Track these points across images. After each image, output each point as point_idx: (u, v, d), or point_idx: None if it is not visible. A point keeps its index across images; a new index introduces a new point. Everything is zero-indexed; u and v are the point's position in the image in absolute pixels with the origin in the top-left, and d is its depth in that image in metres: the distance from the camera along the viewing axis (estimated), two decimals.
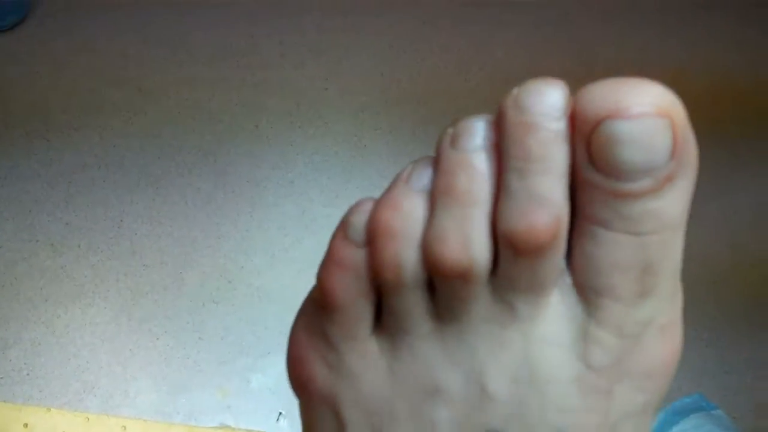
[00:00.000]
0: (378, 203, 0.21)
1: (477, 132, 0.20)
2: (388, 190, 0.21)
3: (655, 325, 0.20)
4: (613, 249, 0.19)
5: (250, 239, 0.99)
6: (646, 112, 0.18)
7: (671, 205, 0.19)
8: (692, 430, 0.77)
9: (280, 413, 0.93)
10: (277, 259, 0.99)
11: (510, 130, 0.19)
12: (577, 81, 0.20)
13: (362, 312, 0.22)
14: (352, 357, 0.22)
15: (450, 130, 0.20)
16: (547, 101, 0.19)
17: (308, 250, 0.99)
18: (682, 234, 0.20)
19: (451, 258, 0.20)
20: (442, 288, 0.20)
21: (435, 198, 0.20)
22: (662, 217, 0.19)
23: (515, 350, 0.20)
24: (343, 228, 0.22)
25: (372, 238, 0.21)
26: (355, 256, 0.21)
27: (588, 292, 0.20)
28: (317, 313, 0.22)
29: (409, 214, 0.20)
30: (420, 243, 0.20)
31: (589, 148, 0.18)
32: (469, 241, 0.20)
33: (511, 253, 0.19)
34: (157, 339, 0.96)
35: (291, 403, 0.93)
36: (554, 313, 0.20)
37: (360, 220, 0.21)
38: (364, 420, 0.22)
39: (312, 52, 1.09)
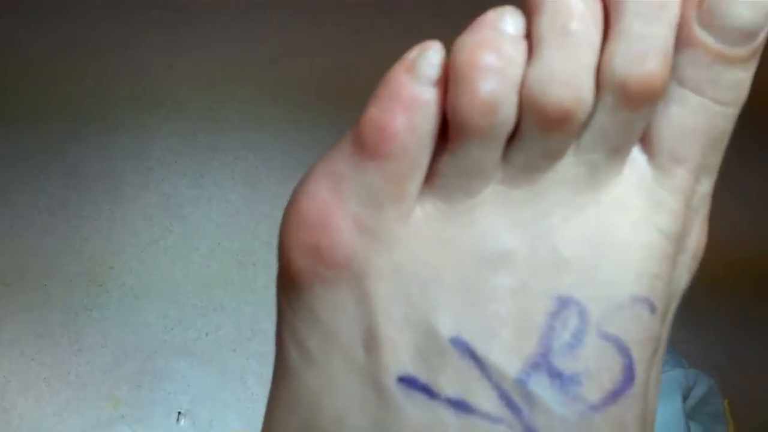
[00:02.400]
0: (465, 42, 0.19)
1: None
2: (474, 33, 0.20)
3: (706, 205, 0.21)
4: (701, 116, 0.20)
5: (115, 237, 0.93)
6: None
7: (749, 80, 0.20)
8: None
9: (179, 413, 0.89)
10: (148, 252, 0.93)
11: None
12: None
13: (419, 164, 0.20)
14: (395, 219, 0.20)
15: None
16: None
17: (179, 237, 0.94)
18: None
19: (560, 98, 0.19)
20: (530, 140, 0.20)
21: (539, 40, 0.19)
22: (742, 91, 0.20)
23: (589, 214, 0.20)
24: (407, 65, 0.20)
25: (461, 76, 0.19)
26: (426, 95, 0.20)
27: (664, 159, 0.20)
28: (356, 164, 0.20)
29: (507, 52, 0.19)
30: (520, 85, 0.19)
31: (702, 5, 0.19)
32: (580, 83, 0.19)
33: (615, 103, 0.19)
34: (32, 360, 0.89)
35: (189, 402, 0.89)
36: (627, 179, 0.20)
37: (433, 58, 0.20)
38: (399, 290, 0.20)
39: (154, 29, 1.02)
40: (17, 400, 0.88)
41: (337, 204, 0.20)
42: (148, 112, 0.99)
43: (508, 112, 0.19)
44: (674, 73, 0.20)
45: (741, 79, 0.20)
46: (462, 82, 0.19)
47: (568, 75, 0.19)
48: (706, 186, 0.21)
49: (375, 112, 0.20)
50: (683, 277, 0.22)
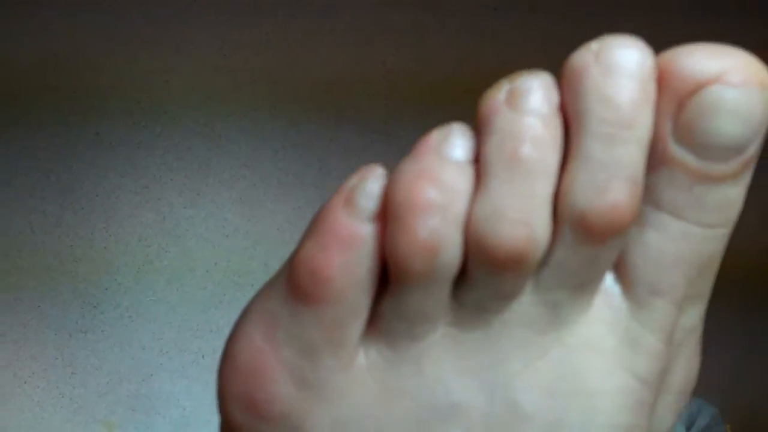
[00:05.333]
0: (403, 173, 0.17)
1: (541, 90, 0.17)
2: (414, 161, 0.17)
3: (695, 334, 0.19)
4: (683, 242, 0.17)
5: (110, 256, 0.92)
6: (750, 80, 0.16)
7: (741, 195, 0.17)
8: None
9: None
10: (143, 272, 0.92)
11: (594, 90, 0.16)
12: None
13: (358, 309, 0.18)
14: (335, 370, 0.18)
15: (505, 87, 0.17)
16: (636, 58, 0.17)
17: (175, 257, 0.92)
18: None
19: (511, 239, 0.16)
20: (479, 281, 0.17)
21: (487, 168, 0.17)
22: (732, 208, 0.18)
23: (553, 358, 0.18)
24: (345, 196, 0.18)
25: (398, 214, 0.17)
26: (363, 233, 0.17)
27: (641, 291, 0.18)
28: (291, 309, 0.18)
29: (450, 186, 0.17)
30: (464, 223, 0.17)
31: (679, 118, 0.17)
32: (534, 220, 0.17)
33: (576, 238, 0.17)
34: (25, 383, 0.88)
35: (185, 426, 0.88)
36: (597, 315, 0.18)
37: (372, 189, 0.17)
38: None
39: (149, 45, 1.01)
40: (10, 423, 0.87)
41: (271, 352, 0.18)
42: (143, 129, 0.98)
43: (452, 253, 0.17)
44: (649, 195, 0.17)
45: (731, 197, 0.17)
46: (399, 221, 0.17)
47: (519, 211, 0.17)
48: (694, 316, 0.19)
49: (308, 251, 0.18)
50: (667, 419, 0.19)
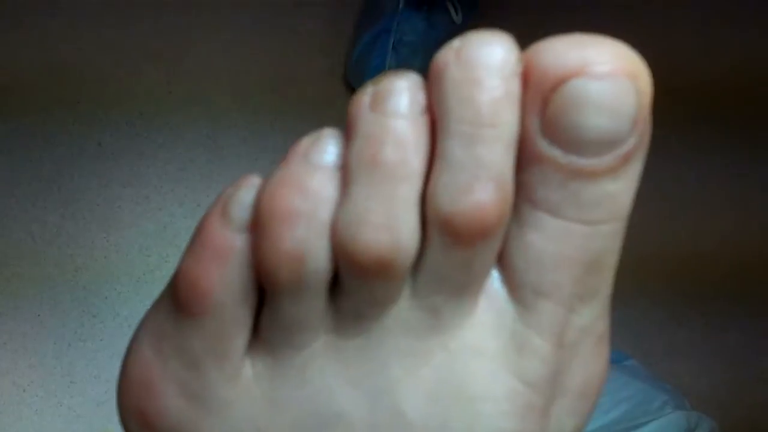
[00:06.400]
0: (270, 181, 0.17)
1: (406, 92, 0.17)
2: (282, 168, 0.17)
3: (593, 334, 0.18)
4: (562, 240, 0.17)
5: (110, 266, 0.92)
6: (615, 71, 0.15)
7: (626, 190, 0.17)
8: (606, 385, 0.75)
9: None
10: (143, 282, 0.92)
11: (453, 89, 0.16)
12: None
13: (240, 320, 0.18)
14: (220, 381, 0.18)
15: (370, 90, 0.17)
16: (498, 55, 0.16)
17: (175, 267, 0.92)
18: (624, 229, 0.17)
19: (374, 245, 0.16)
20: (352, 288, 0.17)
21: (350, 173, 0.16)
22: (617, 204, 0.17)
23: (436, 364, 0.17)
24: (221, 207, 0.17)
25: (263, 223, 0.16)
26: (238, 243, 0.17)
27: (524, 293, 0.17)
28: (175, 321, 0.18)
29: (315, 192, 0.16)
30: (330, 229, 0.16)
31: (545, 114, 0.16)
32: (398, 224, 0.16)
33: (445, 242, 0.16)
34: (24, 391, 0.88)
35: None
36: (481, 319, 0.17)
37: (245, 198, 0.17)
38: None
39: (149, 56, 1.02)
40: (8, 431, 0.87)
41: (159, 365, 0.18)
42: (144, 140, 0.98)
43: (320, 261, 0.16)
44: (525, 194, 0.17)
45: (612, 192, 0.16)
46: (264, 231, 0.16)
47: (382, 215, 0.16)
48: (588, 315, 0.18)
49: (187, 263, 0.17)
50: (566, 423, 0.18)
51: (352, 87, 0.98)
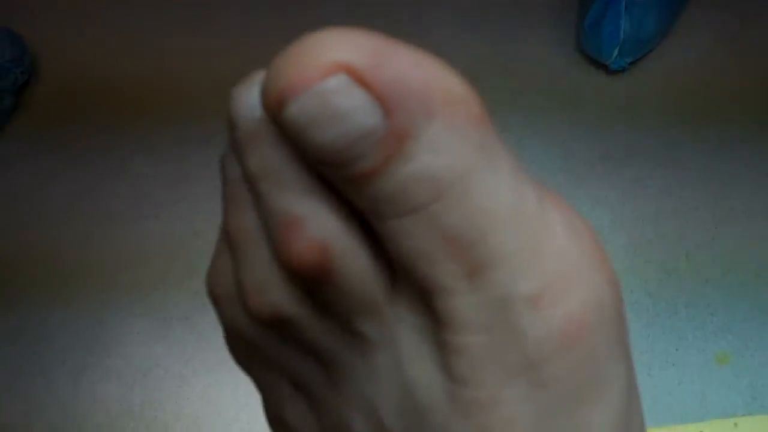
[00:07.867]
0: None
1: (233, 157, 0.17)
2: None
3: (519, 296, 0.16)
4: (405, 236, 0.15)
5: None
6: (311, 76, 0.14)
7: (421, 168, 0.15)
8: None
9: None
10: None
11: (233, 146, 0.17)
12: None
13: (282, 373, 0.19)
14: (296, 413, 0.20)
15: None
16: (245, 103, 0.16)
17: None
18: (497, 173, 0.15)
19: (263, 312, 0.17)
20: (293, 340, 0.18)
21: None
22: (434, 179, 0.15)
23: (391, 378, 0.17)
24: None
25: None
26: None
27: (420, 295, 0.16)
28: None
29: (220, 271, 0.18)
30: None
31: (294, 143, 0.15)
32: (263, 288, 0.17)
33: (310, 286, 0.17)
34: None
35: None
36: (406, 327, 0.17)
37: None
38: None
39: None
40: None
41: None
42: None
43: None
44: (364, 209, 0.16)
45: (418, 173, 0.15)
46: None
47: (251, 283, 0.18)
48: (496, 282, 0.16)
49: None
50: (536, 400, 0.16)
51: (588, 56, 0.93)
